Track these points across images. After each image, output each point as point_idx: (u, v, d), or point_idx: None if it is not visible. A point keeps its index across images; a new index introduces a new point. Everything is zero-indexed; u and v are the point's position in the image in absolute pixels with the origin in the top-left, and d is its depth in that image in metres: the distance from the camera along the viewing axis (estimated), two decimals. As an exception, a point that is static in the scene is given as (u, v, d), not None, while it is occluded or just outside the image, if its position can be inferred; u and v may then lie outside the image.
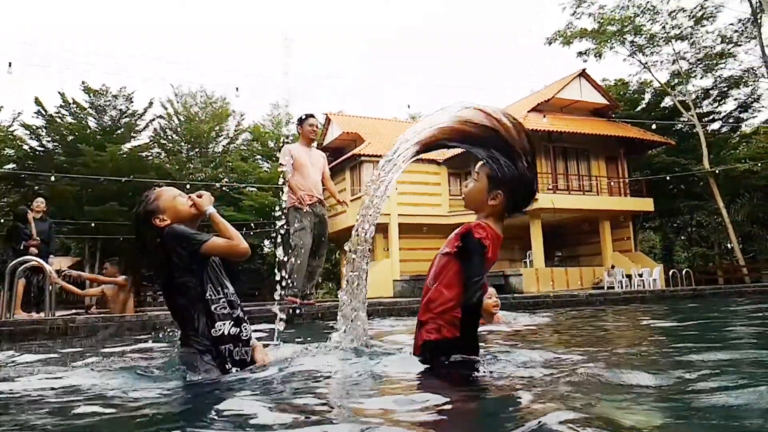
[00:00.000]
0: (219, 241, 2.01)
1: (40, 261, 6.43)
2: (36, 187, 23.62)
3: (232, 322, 2.01)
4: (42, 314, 6.79)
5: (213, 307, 1.99)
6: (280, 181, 6.12)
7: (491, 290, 4.24)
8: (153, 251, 2.05)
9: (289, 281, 5.91)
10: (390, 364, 1.96)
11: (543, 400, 1.44)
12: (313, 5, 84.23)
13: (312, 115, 6.55)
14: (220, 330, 1.97)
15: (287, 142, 28.94)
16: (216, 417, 1.38)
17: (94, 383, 1.86)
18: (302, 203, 6.03)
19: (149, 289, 24.70)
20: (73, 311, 7.68)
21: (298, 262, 5.94)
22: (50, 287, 6.39)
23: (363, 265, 2.15)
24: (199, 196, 2.15)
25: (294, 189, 6.08)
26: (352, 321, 2.16)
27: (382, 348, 2.24)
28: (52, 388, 1.83)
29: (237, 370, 1.95)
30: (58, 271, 6.82)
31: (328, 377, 1.84)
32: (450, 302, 1.94)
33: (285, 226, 6.16)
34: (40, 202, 8.60)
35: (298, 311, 5.54)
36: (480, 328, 3.70)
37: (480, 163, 2.05)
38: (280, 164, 6.20)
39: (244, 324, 2.08)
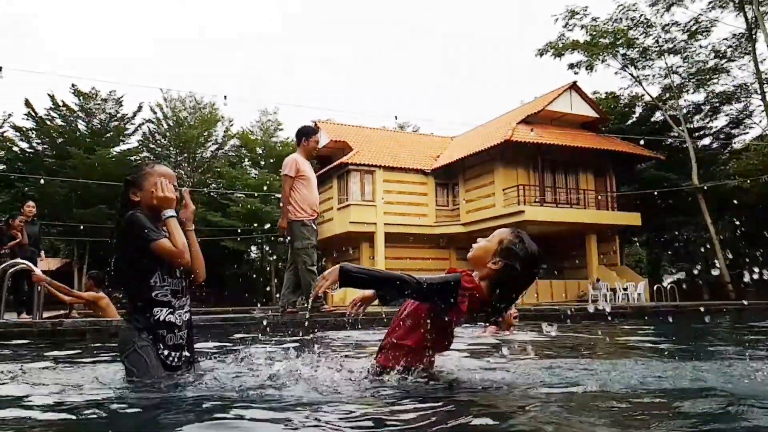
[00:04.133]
0: (165, 245, 2.06)
1: (29, 263, 6.50)
2: (26, 189, 23.59)
3: (170, 310, 2.11)
4: (30, 316, 6.78)
5: (154, 294, 2.09)
6: (279, 191, 6.13)
7: None
8: (115, 224, 2.16)
9: (303, 296, 6.02)
10: (338, 380, 2.01)
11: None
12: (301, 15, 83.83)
13: (317, 131, 6.53)
14: (156, 315, 2.08)
15: (277, 149, 28.88)
16: None
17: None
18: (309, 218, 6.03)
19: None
20: (61, 312, 7.64)
21: (313, 277, 5.94)
22: (38, 289, 6.39)
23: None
24: (165, 198, 2.15)
25: (301, 203, 6.05)
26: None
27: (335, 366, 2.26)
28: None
29: (170, 353, 2.09)
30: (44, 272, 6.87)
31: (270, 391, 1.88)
32: (409, 340, 2.04)
33: (284, 238, 6.19)
34: (31, 206, 8.71)
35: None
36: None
37: (502, 230, 2.17)
38: (286, 175, 6.12)
39: (179, 311, 2.16)
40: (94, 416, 1.60)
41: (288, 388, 1.90)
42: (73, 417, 1.58)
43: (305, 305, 6.05)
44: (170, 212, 2.14)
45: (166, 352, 2.08)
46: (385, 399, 1.78)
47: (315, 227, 6.11)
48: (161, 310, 2.09)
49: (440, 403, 1.71)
